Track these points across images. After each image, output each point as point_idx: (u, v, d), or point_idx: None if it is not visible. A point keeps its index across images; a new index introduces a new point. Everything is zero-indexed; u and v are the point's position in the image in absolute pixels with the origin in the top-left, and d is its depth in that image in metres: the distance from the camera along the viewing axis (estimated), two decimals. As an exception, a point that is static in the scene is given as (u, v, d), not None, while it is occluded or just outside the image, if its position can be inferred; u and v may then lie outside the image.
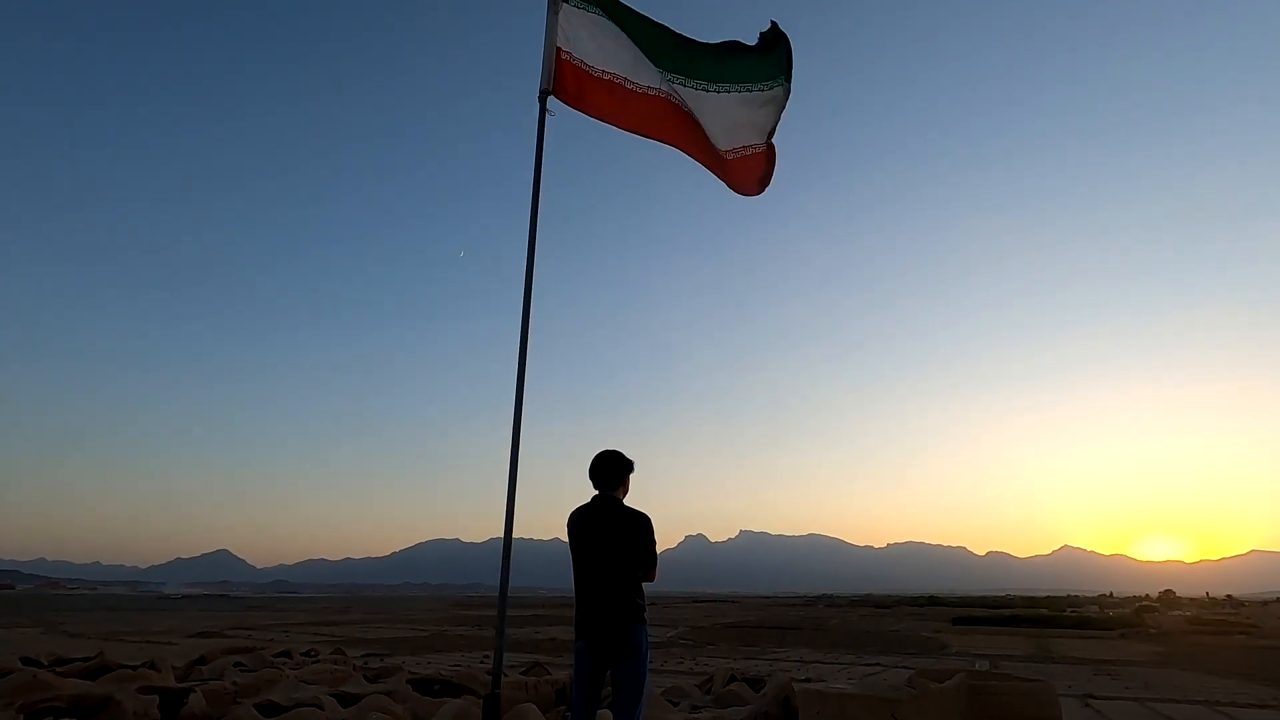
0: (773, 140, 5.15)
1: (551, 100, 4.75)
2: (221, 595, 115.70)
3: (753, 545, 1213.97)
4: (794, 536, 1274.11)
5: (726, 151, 5.06)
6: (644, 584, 3.59)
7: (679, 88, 4.97)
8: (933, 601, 74.91)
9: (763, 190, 5.23)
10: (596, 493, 3.64)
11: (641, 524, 3.57)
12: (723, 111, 5.05)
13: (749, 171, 5.15)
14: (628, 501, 3.69)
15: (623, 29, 4.94)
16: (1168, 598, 72.46)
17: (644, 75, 4.94)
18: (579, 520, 3.60)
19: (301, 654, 10.80)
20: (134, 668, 7.52)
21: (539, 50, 4.79)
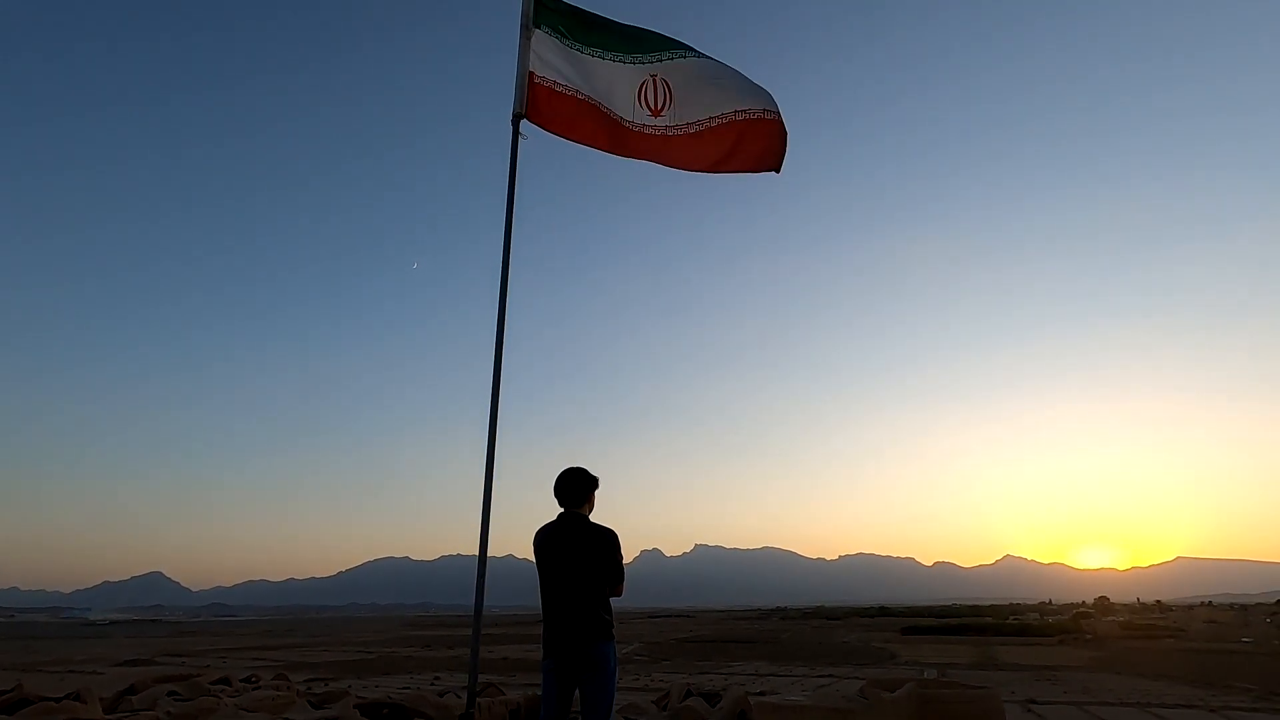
0: (777, 115, 5.08)
1: (525, 124, 4.81)
2: (153, 620, 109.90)
3: (708, 559, 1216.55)
4: (748, 549, 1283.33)
5: (725, 115, 5.00)
6: (611, 599, 3.58)
7: (667, 64, 5.02)
8: (883, 612, 76.47)
9: (778, 166, 5.08)
10: (562, 510, 3.62)
11: (608, 540, 3.57)
12: (710, 71, 5.10)
13: (758, 139, 5.04)
14: (593, 518, 3.69)
15: (594, 50, 5.00)
16: (1103, 604, 75.48)
17: (616, 103, 5.00)
18: (545, 538, 3.58)
19: (241, 680, 10.32)
20: (57, 700, 7.06)
21: (512, 73, 4.85)
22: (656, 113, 5.02)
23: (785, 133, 5.11)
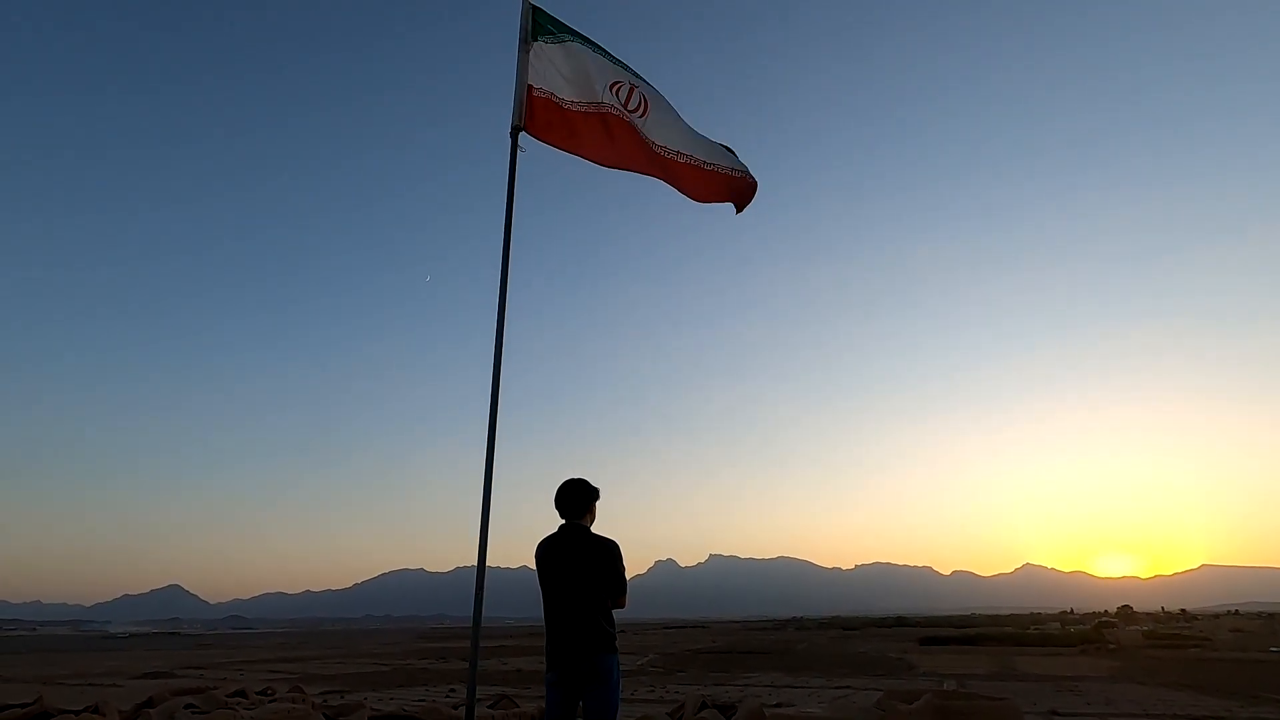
0: (745, 174, 5.34)
1: (523, 136, 4.86)
2: (172, 633, 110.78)
3: (723, 569, 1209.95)
4: (763, 559, 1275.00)
5: (696, 158, 5.23)
6: (615, 611, 3.58)
7: (638, 80, 5.21)
8: (900, 622, 75.62)
9: (740, 207, 5.38)
10: (563, 522, 3.63)
11: (609, 551, 3.56)
12: (671, 109, 5.29)
13: (731, 188, 5.32)
14: (594, 529, 3.69)
15: (581, 41, 5.15)
16: (1125, 613, 74.32)
17: (605, 95, 5.11)
18: (546, 550, 3.58)
19: (257, 693, 10.37)
20: (76, 712, 7.15)
21: (511, 85, 4.90)
22: (627, 110, 5.17)
23: (750, 184, 5.34)
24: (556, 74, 5.06)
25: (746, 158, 5.39)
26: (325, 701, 10.20)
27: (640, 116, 5.15)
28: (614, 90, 5.13)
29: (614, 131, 5.13)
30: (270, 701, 9.41)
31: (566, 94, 5.05)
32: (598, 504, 3.71)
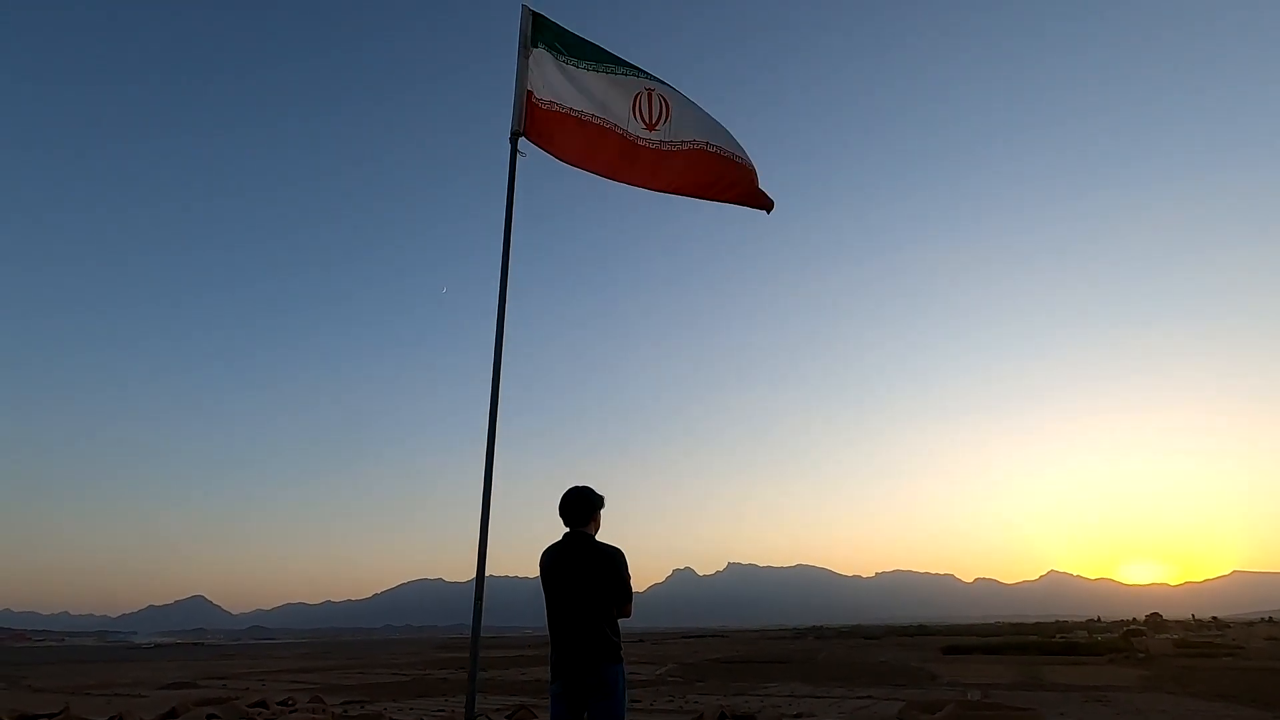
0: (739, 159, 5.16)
1: (523, 142, 4.83)
2: (195, 644, 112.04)
3: (741, 577, 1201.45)
4: (782, 568, 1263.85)
5: (716, 145, 5.07)
6: (621, 620, 3.54)
7: (658, 84, 5.10)
8: (922, 630, 74.67)
9: (767, 206, 5.16)
10: (567, 530, 3.61)
11: (613, 559, 3.52)
12: (694, 105, 5.17)
13: (744, 180, 5.12)
14: (602, 537, 3.67)
15: (589, 64, 5.09)
16: (1154, 621, 72.64)
17: (613, 114, 5.04)
18: (550, 559, 3.56)
19: (278, 703, 10.46)
20: (101, 723, 7.23)
21: (511, 90, 4.89)
22: (651, 126, 5.04)
23: (756, 183, 5.16)
24: (557, 81, 5.01)
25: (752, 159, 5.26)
26: (345, 712, 10.26)
27: (664, 123, 5.05)
28: (636, 110, 5.03)
29: (620, 149, 5.05)
30: (291, 712, 9.48)
31: (567, 100, 5.00)
32: (602, 512, 3.69)
